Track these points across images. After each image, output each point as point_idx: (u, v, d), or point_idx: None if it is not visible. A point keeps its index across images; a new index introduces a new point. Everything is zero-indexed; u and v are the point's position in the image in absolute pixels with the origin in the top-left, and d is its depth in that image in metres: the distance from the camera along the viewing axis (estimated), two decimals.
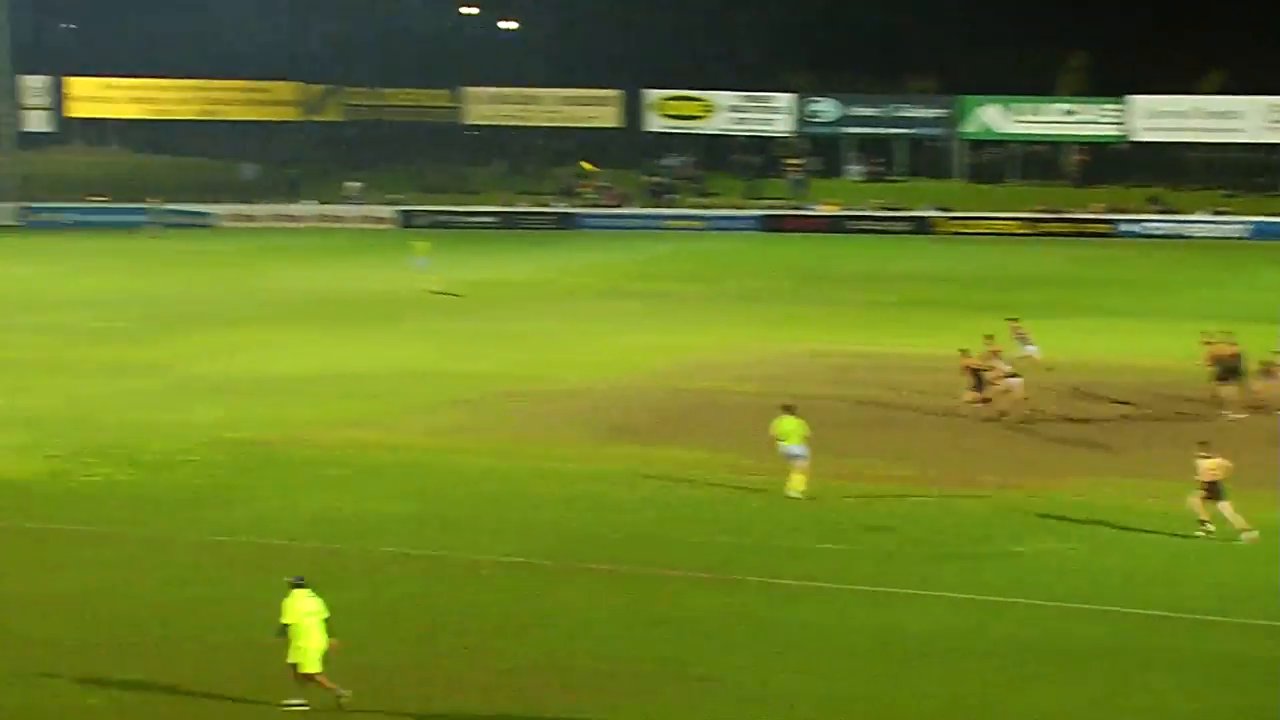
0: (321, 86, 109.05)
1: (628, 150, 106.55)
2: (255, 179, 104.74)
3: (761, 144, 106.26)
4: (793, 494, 32.74)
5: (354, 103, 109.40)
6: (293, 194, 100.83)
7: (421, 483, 34.62)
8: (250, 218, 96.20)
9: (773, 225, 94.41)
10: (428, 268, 67.39)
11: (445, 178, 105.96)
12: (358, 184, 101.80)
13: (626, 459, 36.82)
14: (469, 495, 33.66)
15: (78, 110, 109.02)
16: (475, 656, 24.31)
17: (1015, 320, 46.47)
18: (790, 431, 32.98)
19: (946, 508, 32.91)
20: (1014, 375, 41.05)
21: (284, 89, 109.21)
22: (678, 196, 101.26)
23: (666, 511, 32.57)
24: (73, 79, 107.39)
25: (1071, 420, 41.12)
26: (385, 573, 28.39)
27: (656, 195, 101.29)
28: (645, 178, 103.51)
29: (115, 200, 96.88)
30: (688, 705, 22.65)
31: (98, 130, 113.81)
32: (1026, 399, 40.98)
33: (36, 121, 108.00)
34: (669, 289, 68.49)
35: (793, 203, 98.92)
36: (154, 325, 56.30)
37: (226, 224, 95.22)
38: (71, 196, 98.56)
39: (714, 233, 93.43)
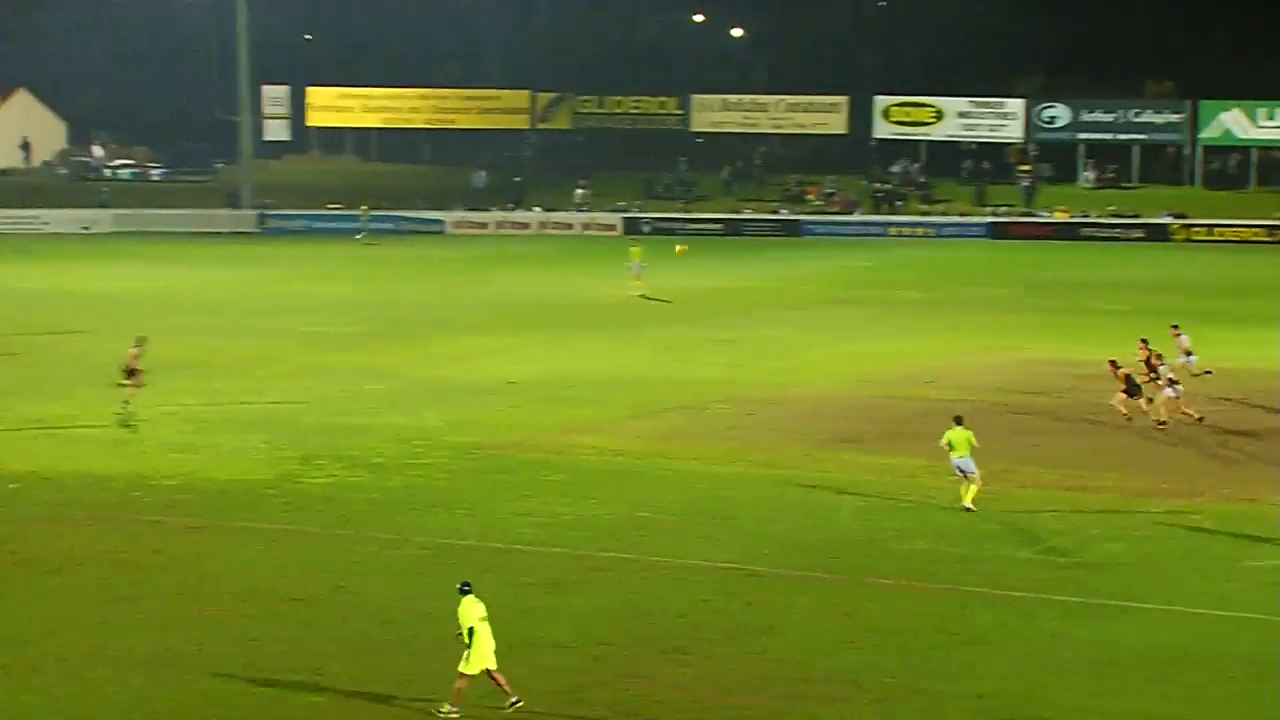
0: (550, 95, 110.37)
1: (854, 157, 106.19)
2: (484, 186, 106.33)
3: (990, 150, 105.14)
4: (968, 507, 32.55)
5: (582, 110, 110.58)
6: (521, 201, 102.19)
7: (641, 488, 34.99)
8: (480, 224, 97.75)
9: (1001, 232, 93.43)
10: (640, 273, 67.96)
11: (671, 184, 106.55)
12: (584, 190, 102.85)
13: (845, 467, 36.90)
14: (687, 501, 33.93)
15: (316, 119, 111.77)
16: (689, 663, 24.58)
17: (1176, 328, 45.66)
18: (960, 443, 32.75)
19: (1162, 520, 32.53)
20: (1175, 383, 40.22)
21: (513, 97, 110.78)
22: (904, 203, 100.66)
23: (883, 520, 32.57)
24: (313, 89, 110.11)
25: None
26: (604, 577, 28.81)
27: (883, 201, 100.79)
28: (872, 184, 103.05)
29: (349, 207, 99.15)
30: (886, 714, 22.65)
31: (333, 139, 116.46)
32: (1186, 410, 40.19)
33: (275, 131, 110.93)
34: (894, 296, 68.20)
35: (1022, 209, 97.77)
36: (385, 330, 57.60)
37: (457, 230, 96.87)
38: (308, 203, 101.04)
39: (941, 239, 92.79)
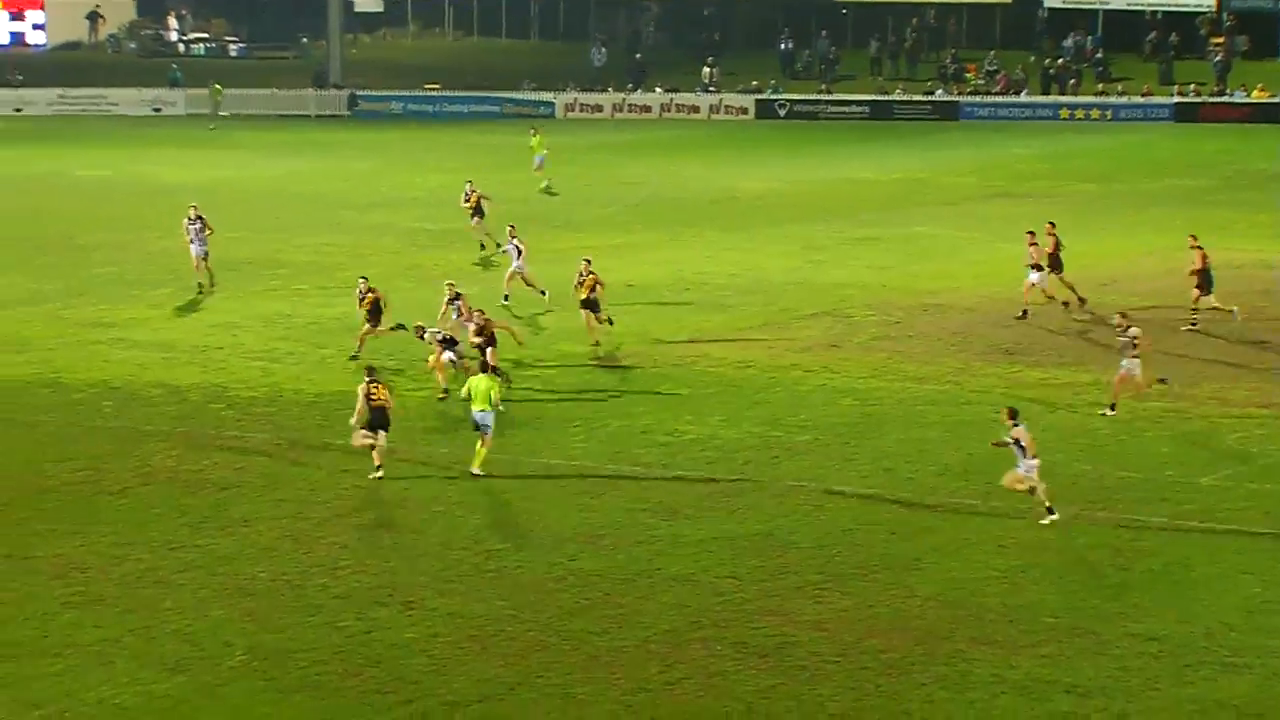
0: None
1: (1021, 29, 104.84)
2: (603, 65, 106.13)
3: (1178, 20, 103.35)
4: (476, 471, 30.31)
5: None
6: (642, 81, 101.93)
7: (774, 405, 35.08)
8: (595, 108, 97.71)
9: (1189, 115, 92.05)
10: (542, 165, 67.79)
11: (811, 61, 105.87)
12: (713, 69, 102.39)
13: (1004, 382, 36.82)
14: (825, 420, 34.00)
15: None
16: (826, 599, 24.73)
17: (513, 233, 45.04)
18: (479, 394, 30.38)
19: None
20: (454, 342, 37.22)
21: None
22: (1078, 82, 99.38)
23: (1046, 441, 32.32)
24: None
25: None
26: (731, 504, 28.98)
27: (1053, 81, 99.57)
28: (1041, 60, 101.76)
29: (449, 88, 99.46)
30: (1047, 659, 22.68)
31: (432, 11, 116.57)
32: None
33: (367, 2, 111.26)
34: (1065, 189, 67.55)
35: (1215, 89, 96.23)
36: (492, 227, 57.69)
37: (569, 115, 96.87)
38: (403, 84, 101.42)
39: (1120, 123, 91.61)
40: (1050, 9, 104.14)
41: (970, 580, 25.46)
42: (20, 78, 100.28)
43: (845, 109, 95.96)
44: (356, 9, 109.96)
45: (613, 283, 47.47)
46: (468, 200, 53.09)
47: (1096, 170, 73.68)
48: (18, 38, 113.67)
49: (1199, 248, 42.39)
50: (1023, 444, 27.83)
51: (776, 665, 22.48)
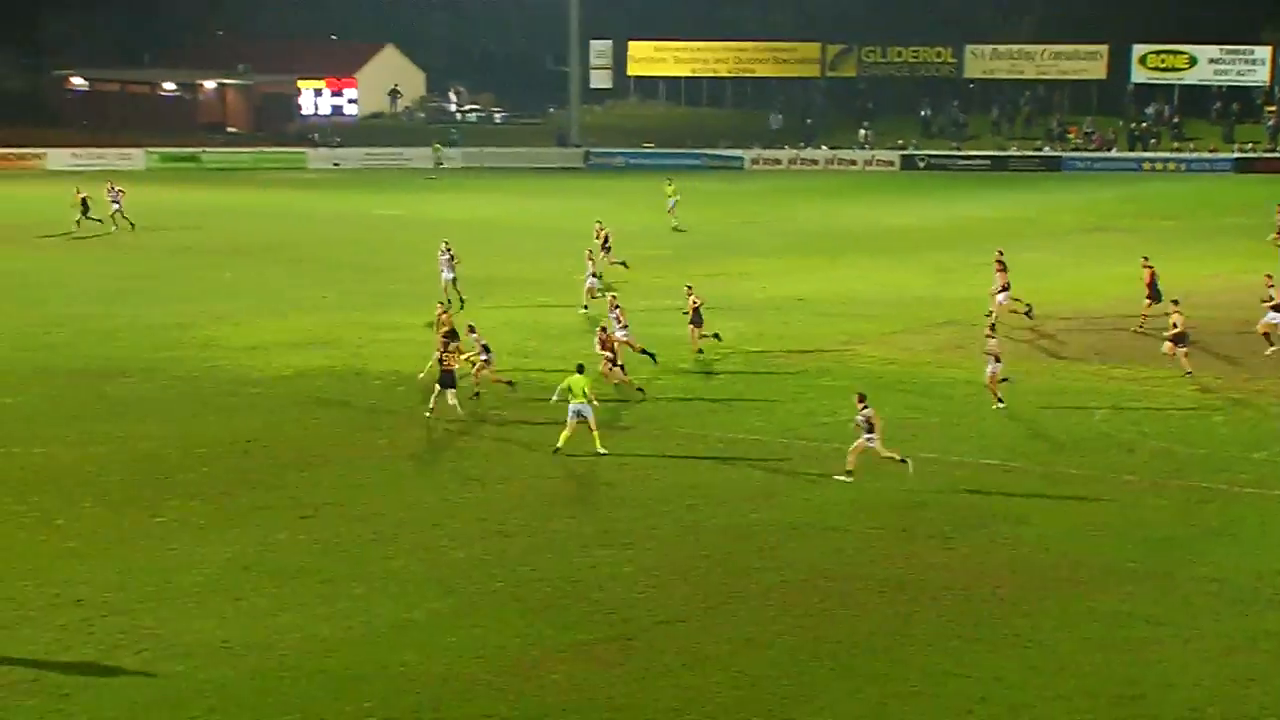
0: (839, 46, 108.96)
1: (1112, 99, 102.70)
2: (780, 128, 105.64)
3: (1239, 93, 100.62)
4: (600, 451, 29.65)
5: (867, 60, 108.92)
6: (811, 140, 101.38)
7: (912, 393, 34.66)
8: (775, 161, 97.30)
9: (1246, 167, 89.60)
10: (675, 207, 66.59)
11: (945, 125, 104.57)
12: (867, 131, 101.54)
13: (1096, 377, 36.08)
14: (952, 405, 33.55)
15: (635, 69, 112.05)
16: (952, 546, 24.40)
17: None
18: (578, 389, 29.74)
19: None
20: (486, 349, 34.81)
21: (806, 49, 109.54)
22: (1157, 141, 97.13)
23: (1129, 424, 31.77)
24: (633, 42, 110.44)
25: None
26: (876, 469, 28.48)
27: (1137, 140, 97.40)
28: (1128, 124, 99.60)
29: (661, 146, 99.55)
30: (1128, 596, 22.13)
31: (649, 86, 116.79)
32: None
33: (600, 79, 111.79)
34: (1146, 225, 66.00)
35: (1267, 146, 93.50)
36: (690, 254, 57.79)
37: (754, 167, 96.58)
38: (626, 142, 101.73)
39: (1190, 174, 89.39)
40: (1136, 84, 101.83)
41: (1066, 533, 24.98)
42: (338, 140, 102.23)
43: (971, 162, 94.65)
44: (591, 85, 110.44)
45: (784, 296, 47.42)
46: (599, 237, 50.84)
47: (1171, 210, 71.89)
48: (337, 109, 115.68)
49: (1150, 267, 41.35)
50: (871, 421, 27.27)
51: (913, 597, 22.21)
